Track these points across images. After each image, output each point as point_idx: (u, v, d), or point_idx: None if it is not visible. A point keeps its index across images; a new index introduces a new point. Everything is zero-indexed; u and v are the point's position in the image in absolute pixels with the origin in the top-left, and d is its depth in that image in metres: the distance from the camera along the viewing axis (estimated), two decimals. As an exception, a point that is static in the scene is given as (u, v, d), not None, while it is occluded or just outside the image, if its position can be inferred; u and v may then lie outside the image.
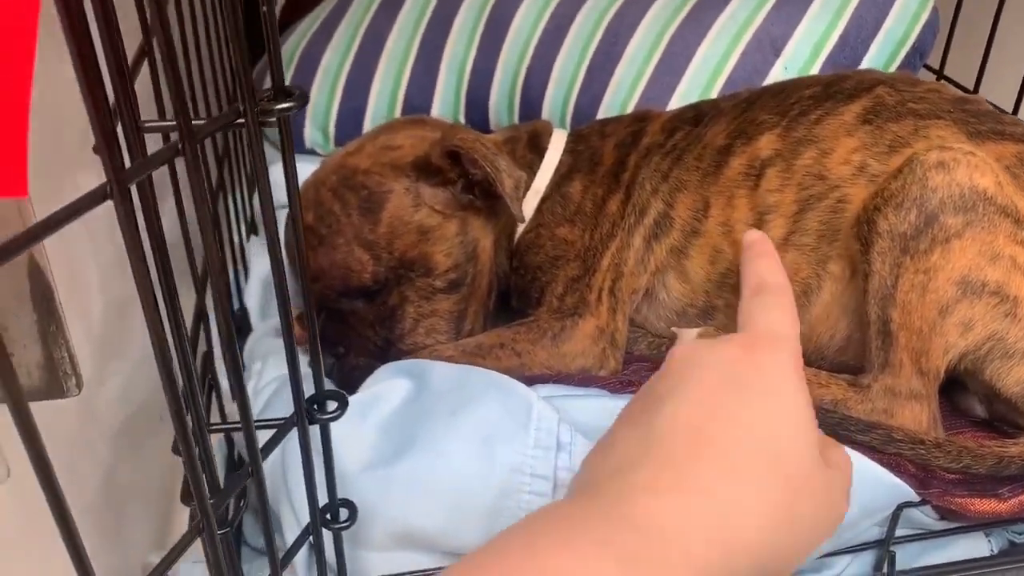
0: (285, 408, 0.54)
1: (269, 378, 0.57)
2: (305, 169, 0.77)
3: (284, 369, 0.59)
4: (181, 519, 0.65)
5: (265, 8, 0.31)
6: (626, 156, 0.61)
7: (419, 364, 0.53)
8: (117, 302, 0.54)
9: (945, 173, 0.50)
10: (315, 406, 0.40)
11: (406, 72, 0.80)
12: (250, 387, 0.58)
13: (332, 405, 0.40)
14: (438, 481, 0.47)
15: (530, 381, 0.55)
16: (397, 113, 0.81)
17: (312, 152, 0.85)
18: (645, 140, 0.61)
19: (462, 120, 0.81)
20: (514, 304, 0.63)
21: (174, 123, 0.29)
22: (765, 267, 0.42)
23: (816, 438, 0.35)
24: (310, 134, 0.84)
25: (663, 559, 0.30)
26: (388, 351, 0.60)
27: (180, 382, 0.34)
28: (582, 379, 0.55)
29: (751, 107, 0.60)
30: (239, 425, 0.36)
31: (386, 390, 0.52)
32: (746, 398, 0.35)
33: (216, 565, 0.35)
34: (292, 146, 0.35)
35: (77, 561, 0.28)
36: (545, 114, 0.76)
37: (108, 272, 0.52)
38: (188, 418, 0.38)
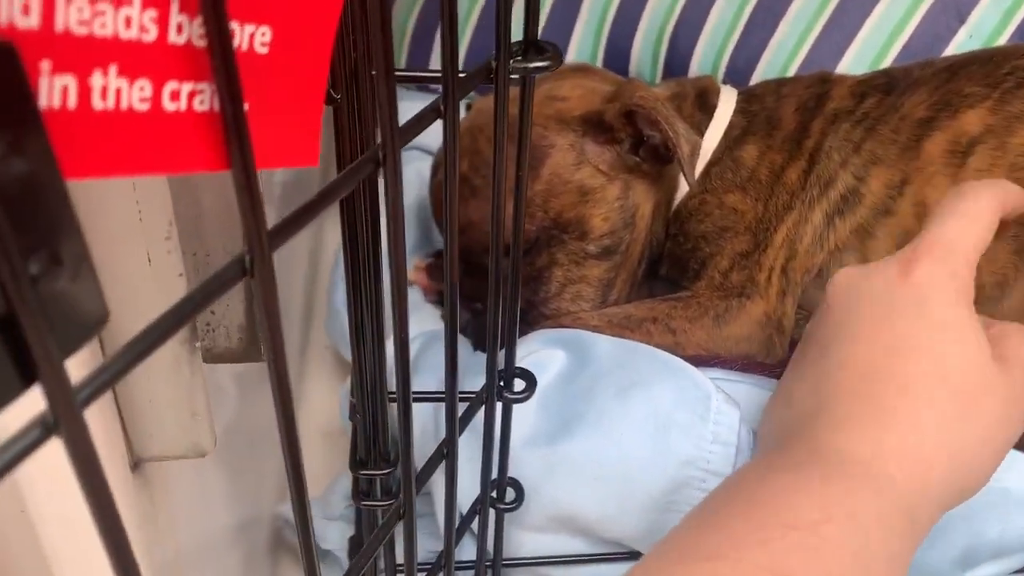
0: (431, 370, 0.51)
1: (411, 335, 0.55)
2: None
3: (424, 326, 0.57)
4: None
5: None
6: (809, 121, 0.56)
7: (576, 336, 0.50)
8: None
9: None
10: (501, 384, 0.37)
11: (544, 9, 0.75)
12: (388, 345, 0.55)
13: (520, 385, 0.37)
14: (606, 465, 0.44)
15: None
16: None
17: (437, 91, 0.80)
18: (831, 105, 0.56)
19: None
20: (663, 273, 0.59)
21: (436, 74, 0.26)
22: (973, 186, 0.42)
23: (984, 342, 0.38)
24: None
25: (872, 485, 0.33)
26: (529, 313, 0.57)
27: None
28: (744, 365, 0.52)
29: (954, 77, 0.54)
30: (441, 394, 0.33)
31: (543, 360, 0.49)
32: (907, 324, 0.38)
33: (408, 538, 0.33)
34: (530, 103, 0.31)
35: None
36: (693, 72, 0.71)
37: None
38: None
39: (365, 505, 0.40)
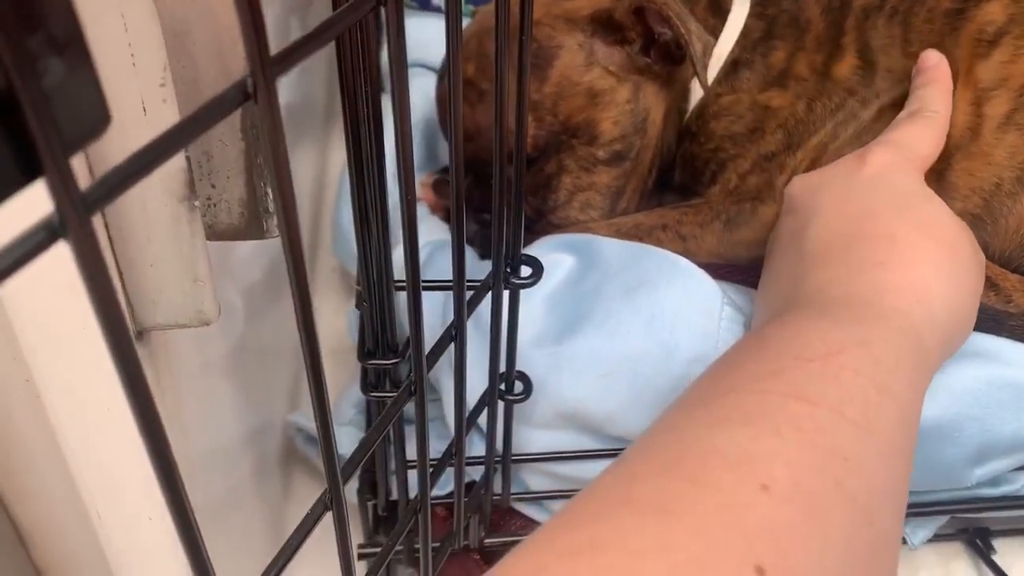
0: (439, 275, 0.51)
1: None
2: (430, 26, 0.73)
3: (431, 236, 0.56)
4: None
5: None
6: (841, 20, 0.53)
7: (583, 239, 0.50)
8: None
9: None
10: (508, 270, 0.37)
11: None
12: (396, 254, 0.55)
13: (527, 271, 0.37)
14: (612, 363, 0.44)
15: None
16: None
17: (439, 10, 0.79)
18: (858, 1, 0.54)
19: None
20: (678, 179, 0.58)
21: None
22: (931, 95, 0.46)
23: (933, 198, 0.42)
24: (441, -11, 0.78)
25: (880, 318, 0.34)
26: (537, 222, 0.56)
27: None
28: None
29: None
30: (449, 282, 0.33)
31: (551, 263, 0.48)
32: (874, 196, 0.41)
33: (420, 426, 0.33)
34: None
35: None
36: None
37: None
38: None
39: (374, 396, 0.40)
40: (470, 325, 0.44)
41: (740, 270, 0.53)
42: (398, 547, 0.46)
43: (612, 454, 0.45)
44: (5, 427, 0.27)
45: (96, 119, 0.16)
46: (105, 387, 0.27)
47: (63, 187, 0.14)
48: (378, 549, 0.45)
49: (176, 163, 0.25)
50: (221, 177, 0.30)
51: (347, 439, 0.51)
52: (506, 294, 0.38)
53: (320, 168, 0.77)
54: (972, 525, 0.54)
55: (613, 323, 0.44)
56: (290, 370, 0.60)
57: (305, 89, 0.70)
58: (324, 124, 0.79)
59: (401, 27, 0.23)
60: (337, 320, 0.67)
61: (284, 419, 0.54)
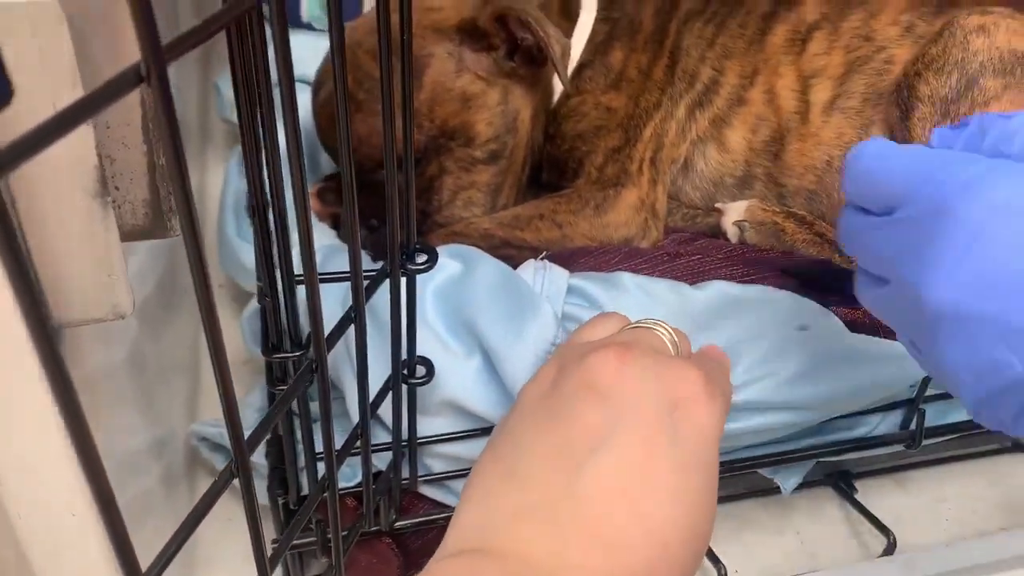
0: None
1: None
2: (302, 44, 0.74)
3: (323, 240, 0.58)
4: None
5: None
6: (667, 22, 0.60)
7: (468, 251, 0.53)
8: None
9: (985, 36, 0.50)
10: (404, 257, 0.39)
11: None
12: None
13: (422, 257, 0.40)
14: (487, 381, 0.47)
15: (572, 254, 0.55)
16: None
17: (309, 27, 0.81)
18: (684, 5, 0.61)
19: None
20: (545, 178, 0.63)
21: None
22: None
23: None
24: (307, 7, 0.80)
25: None
26: (423, 223, 0.59)
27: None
28: (627, 252, 0.56)
29: None
30: (347, 273, 0.35)
31: (442, 263, 0.51)
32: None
33: (325, 413, 0.35)
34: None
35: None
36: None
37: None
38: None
39: (280, 389, 0.41)
40: (367, 319, 0.46)
41: (611, 261, 0.57)
42: (310, 539, 0.47)
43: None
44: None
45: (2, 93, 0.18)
46: (25, 385, 0.28)
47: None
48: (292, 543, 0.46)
49: (89, 161, 0.26)
50: (125, 180, 0.32)
51: (252, 444, 0.52)
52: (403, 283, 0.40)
53: (199, 190, 0.77)
54: (835, 469, 0.60)
55: (486, 338, 0.47)
56: (187, 383, 0.60)
57: (179, 111, 0.70)
58: (200, 146, 0.80)
59: (284, 23, 0.26)
60: (233, 331, 0.67)
61: (186, 430, 0.55)
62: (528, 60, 0.57)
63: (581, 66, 0.60)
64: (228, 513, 0.55)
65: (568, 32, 0.61)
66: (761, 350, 0.48)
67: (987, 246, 0.27)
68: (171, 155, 0.21)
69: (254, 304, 0.60)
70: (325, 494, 0.38)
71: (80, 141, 0.26)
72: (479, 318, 0.47)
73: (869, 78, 0.55)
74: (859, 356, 0.50)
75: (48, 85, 0.25)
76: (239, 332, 0.63)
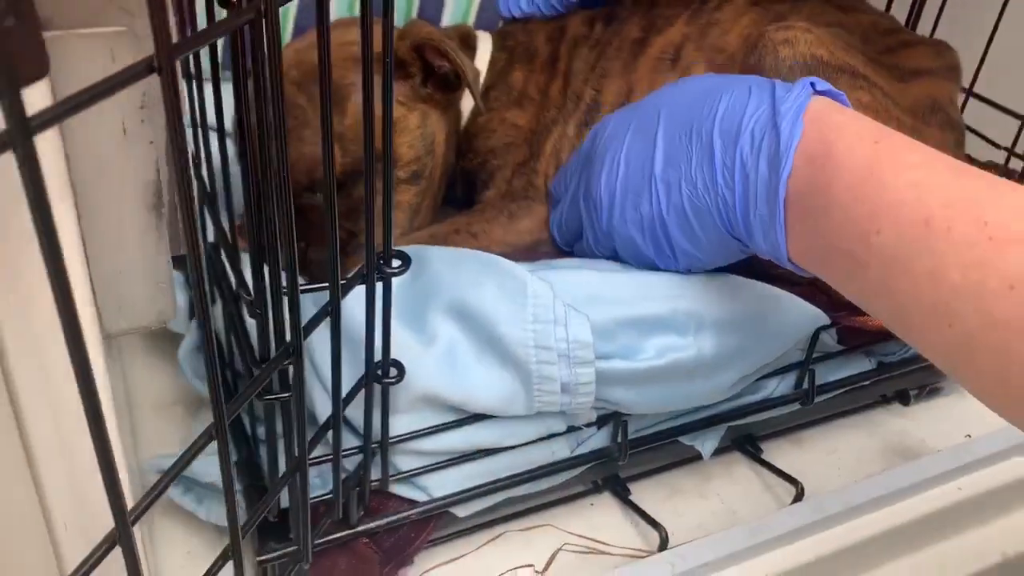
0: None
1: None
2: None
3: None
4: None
5: None
6: (558, 47, 0.67)
7: (415, 249, 0.56)
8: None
9: (790, 48, 0.60)
10: (380, 262, 0.43)
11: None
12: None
13: (397, 262, 0.43)
14: (458, 360, 0.51)
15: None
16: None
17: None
18: (571, 32, 0.68)
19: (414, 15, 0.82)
20: (459, 193, 0.67)
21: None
22: None
23: None
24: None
25: None
26: (349, 244, 0.62)
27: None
28: (536, 255, 0.61)
29: (655, 5, 0.68)
30: (325, 286, 0.38)
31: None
32: None
33: (299, 405, 0.38)
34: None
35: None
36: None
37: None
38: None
39: (268, 399, 0.43)
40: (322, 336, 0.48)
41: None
42: (291, 548, 0.49)
43: (477, 419, 0.52)
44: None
45: (38, 65, 0.21)
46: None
47: (11, 108, 0.19)
48: (272, 555, 0.48)
49: (147, 175, 0.29)
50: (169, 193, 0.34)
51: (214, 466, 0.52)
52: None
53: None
54: (741, 434, 0.67)
55: (445, 339, 0.51)
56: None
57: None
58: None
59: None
60: (151, 376, 0.67)
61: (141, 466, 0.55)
62: (442, 86, 0.61)
63: (487, 88, 0.66)
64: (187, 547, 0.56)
65: (470, 60, 0.66)
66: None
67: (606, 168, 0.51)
68: (173, 138, 0.24)
69: (188, 342, 0.61)
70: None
71: (142, 157, 0.28)
72: (466, 294, 0.51)
73: None
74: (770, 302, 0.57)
75: (118, 107, 0.27)
76: (162, 375, 0.64)
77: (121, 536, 0.26)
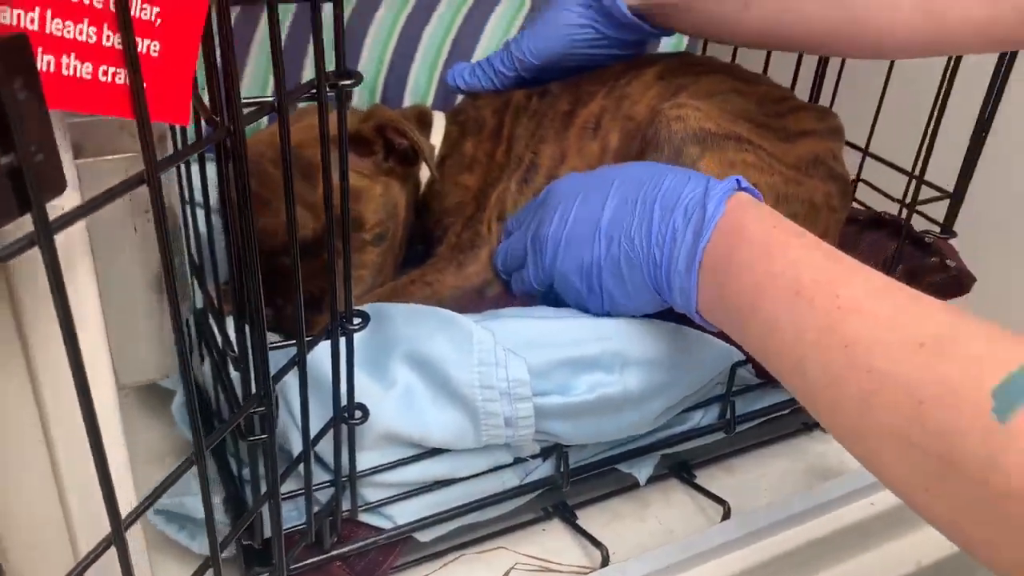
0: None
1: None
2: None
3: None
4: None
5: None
6: (503, 117, 0.77)
7: (377, 306, 0.64)
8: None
9: (682, 123, 0.69)
10: (343, 320, 0.50)
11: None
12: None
13: (357, 320, 0.51)
14: (410, 404, 0.58)
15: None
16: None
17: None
18: (513, 103, 0.77)
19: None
20: (418, 247, 0.76)
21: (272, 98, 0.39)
22: None
23: None
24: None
25: None
26: (322, 301, 0.70)
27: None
28: (484, 299, 0.70)
29: (580, 83, 0.78)
30: (293, 343, 0.46)
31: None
32: None
33: (269, 443, 0.45)
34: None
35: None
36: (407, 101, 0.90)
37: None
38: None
39: (251, 440, 0.50)
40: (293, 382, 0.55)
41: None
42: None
43: (434, 453, 0.60)
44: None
45: (58, 185, 0.29)
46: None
47: (39, 216, 0.27)
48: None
49: (154, 267, 0.36)
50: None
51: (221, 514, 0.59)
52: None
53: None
54: (676, 462, 0.74)
55: (402, 387, 0.58)
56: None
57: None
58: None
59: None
60: (147, 428, 0.73)
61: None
62: (401, 160, 0.70)
63: (443, 158, 0.75)
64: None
65: (427, 136, 0.76)
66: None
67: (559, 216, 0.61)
68: (160, 233, 0.32)
69: (180, 396, 0.67)
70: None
71: (150, 251, 0.36)
72: (420, 344, 0.58)
73: (637, 147, 0.73)
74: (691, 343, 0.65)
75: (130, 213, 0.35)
76: (156, 429, 0.70)
77: (116, 539, 0.33)
